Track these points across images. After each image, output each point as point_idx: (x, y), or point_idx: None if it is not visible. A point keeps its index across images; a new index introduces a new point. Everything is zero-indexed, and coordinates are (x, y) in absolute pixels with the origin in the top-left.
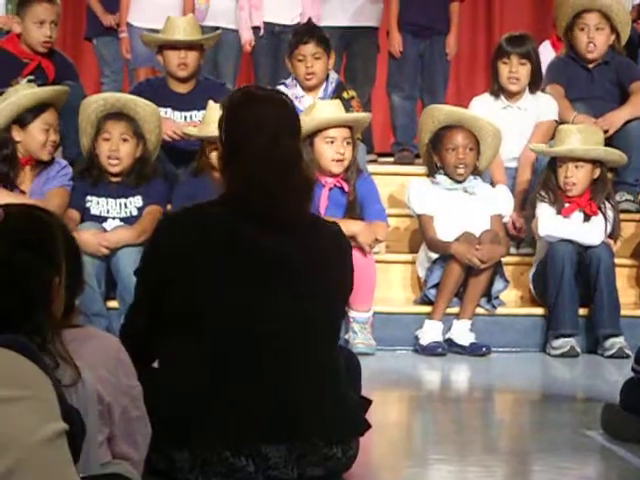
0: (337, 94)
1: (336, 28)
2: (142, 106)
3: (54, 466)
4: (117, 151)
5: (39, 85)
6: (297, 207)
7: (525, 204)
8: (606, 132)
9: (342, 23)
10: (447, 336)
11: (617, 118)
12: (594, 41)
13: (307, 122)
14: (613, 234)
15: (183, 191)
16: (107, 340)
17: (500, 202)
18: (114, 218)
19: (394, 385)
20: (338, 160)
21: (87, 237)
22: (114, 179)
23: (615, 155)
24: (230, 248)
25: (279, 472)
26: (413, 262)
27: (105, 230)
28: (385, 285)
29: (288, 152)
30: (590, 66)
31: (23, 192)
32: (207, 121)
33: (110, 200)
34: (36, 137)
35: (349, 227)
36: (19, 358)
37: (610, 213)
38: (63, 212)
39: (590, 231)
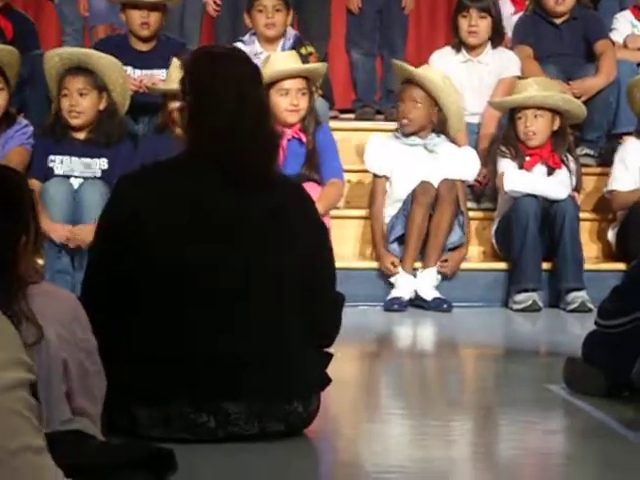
0: (295, 50)
1: None
2: (97, 59)
3: (6, 415)
4: (76, 106)
5: None
6: (263, 166)
7: (488, 159)
8: (579, 97)
9: None
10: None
11: (590, 87)
12: None
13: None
14: (577, 187)
15: (147, 148)
16: (63, 296)
17: (465, 165)
18: (77, 177)
19: (355, 340)
20: (292, 110)
21: (55, 228)
22: (78, 135)
23: (574, 104)
24: (190, 208)
25: (240, 428)
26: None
27: (72, 187)
28: (344, 240)
29: (257, 107)
30: (558, 22)
31: None
32: (170, 78)
33: (74, 159)
34: None
35: None
36: None
37: (573, 165)
38: (23, 170)
39: (556, 185)
